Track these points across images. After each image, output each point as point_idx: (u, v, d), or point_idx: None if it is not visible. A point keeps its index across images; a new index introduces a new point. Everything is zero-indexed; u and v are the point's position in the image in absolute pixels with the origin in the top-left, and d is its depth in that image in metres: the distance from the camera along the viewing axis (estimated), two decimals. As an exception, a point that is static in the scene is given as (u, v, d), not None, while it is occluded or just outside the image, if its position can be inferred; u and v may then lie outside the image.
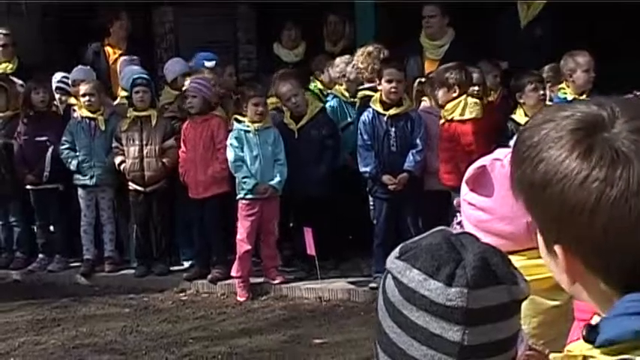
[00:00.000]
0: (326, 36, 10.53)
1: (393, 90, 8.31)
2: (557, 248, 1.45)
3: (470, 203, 2.68)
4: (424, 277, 1.61)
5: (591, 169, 1.38)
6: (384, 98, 8.39)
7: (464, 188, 2.71)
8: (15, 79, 10.11)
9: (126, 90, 9.42)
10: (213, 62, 9.45)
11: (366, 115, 8.45)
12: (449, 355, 1.60)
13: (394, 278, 1.65)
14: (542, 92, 7.99)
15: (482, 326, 1.61)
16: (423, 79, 8.64)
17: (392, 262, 1.67)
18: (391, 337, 1.66)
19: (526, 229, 2.55)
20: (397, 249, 1.68)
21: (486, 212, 2.63)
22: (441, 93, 8.22)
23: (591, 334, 1.40)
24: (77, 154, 9.25)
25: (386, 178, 8.30)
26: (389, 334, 1.66)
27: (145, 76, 9.25)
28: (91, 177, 9.26)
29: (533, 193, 1.45)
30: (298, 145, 8.68)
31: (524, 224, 2.55)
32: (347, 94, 9.10)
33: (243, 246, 8.56)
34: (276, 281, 8.71)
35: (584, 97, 8.02)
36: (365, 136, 8.42)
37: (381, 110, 8.41)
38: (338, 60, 9.18)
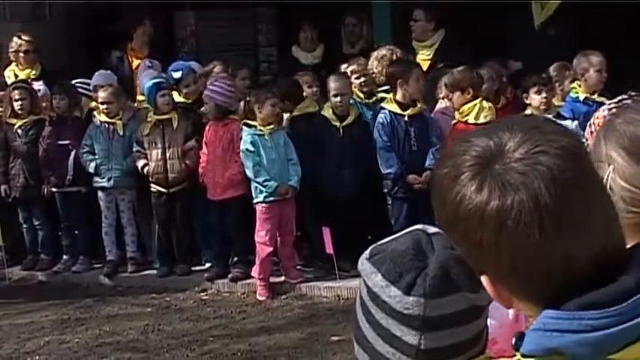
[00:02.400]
0: (344, 38, 10.64)
1: (420, 89, 8.51)
2: (483, 279, 1.50)
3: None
4: (386, 284, 1.69)
5: (485, 204, 1.41)
6: (401, 100, 8.50)
7: None
8: (38, 84, 10.28)
9: (143, 95, 9.56)
10: (180, 72, 9.52)
11: (383, 117, 8.56)
12: (408, 355, 1.69)
13: (363, 279, 1.74)
14: (544, 95, 8.08)
15: (439, 332, 1.68)
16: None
17: (362, 263, 1.75)
18: (363, 330, 1.76)
19: None
20: (369, 249, 1.76)
21: None
22: (455, 96, 8.32)
23: (517, 343, 1.46)
24: (95, 157, 9.44)
25: (412, 177, 8.43)
26: (361, 327, 1.76)
27: (162, 80, 9.38)
28: (109, 179, 9.43)
29: (447, 232, 1.51)
30: (341, 144, 8.78)
31: None
32: (362, 95, 9.20)
33: (264, 249, 8.68)
34: (296, 280, 8.83)
35: (595, 96, 8.11)
36: (385, 138, 8.52)
37: (398, 111, 8.52)
38: (353, 62, 9.25)
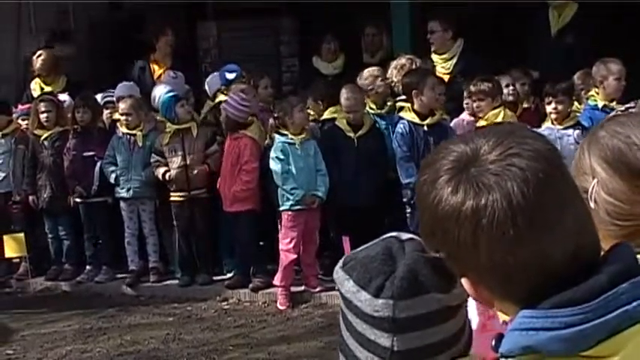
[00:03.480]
0: (364, 48, 10.67)
1: (437, 99, 8.53)
2: (464, 281, 1.55)
3: None
4: (357, 289, 1.72)
5: (461, 205, 1.47)
6: (419, 110, 8.52)
7: None
8: (64, 96, 10.39)
9: (159, 109, 9.62)
10: (234, 74, 9.63)
11: (402, 128, 8.58)
12: (383, 358, 1.72)
13: (338, 287, 1.78)
14: (553, 106, 8.08)
15: (411, 333, 1.71)
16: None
17: (336, 271, 1.79)
18: (345, 338, 1.80)
19: None
20: (342, 258, 1.80)
21: None
22: (484, 104, 8.30)
23: (497, 344, 1.52)
24: (116, 167, 9.52)
25: None
26: (343, 336, 1.80)
27: (175, 94, 9.45)
28: (128, 190, 9.52)
29: (427, 235, 1.57)
30: (356, 154, 8.82)
31: None
32: (374, 105, 9.22)
33: (288, 256, 8.73)
34: (316, 289, 8.86)
35: (614, 104, 8.08)
36: (404, 148, 8.54)
37: (417, 121, 8.54)
38: (366, 72, 9.27)
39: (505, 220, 1.45)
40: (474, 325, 2.50)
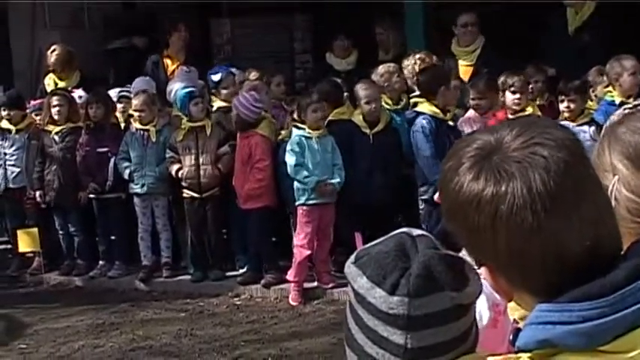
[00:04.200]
0: (379, 45, 10.67)
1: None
2: (483, 270, 1.56)
3: None
4: (371, 285, 1.71)
5: (481, 190, 1.49)
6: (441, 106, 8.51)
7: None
8: (78, 92, 10.41)
9: (175, 104, 9.64)
10: (219, 75, 9.61)
11: (425, 123, 8.48)
12: (396, 355, 1.72)
13: (350, 282, 1.77)
14: (565, 104, 8.09)
15: (425, 330, 1.70)
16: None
17: (348, 267, 1.78)
18: (353, 333, 1.79)
19: None
20: (354, 254, 1.79)
21: None
22: (508, 98, 8.26)
23: (514, 339, 1.52)
24: (130, 163, 9.55)
25: None
26: (351, 330, 1.79)
27: (193, 90, 9.47)
28: (142, 185, 9.54)
29: (449, 223, 1.58)
30: (372, 151, 8.80)
31: None
32: (390, 101, 9.21)
33: (302, 252, 8.73)
34: (328, 285, 8.86)
35: (631, 100, 8.04)
36: (431, 144, 8.42)
37: (441, 115, 8.51)
38: (381, 69, 9.26)
39: (524, 207, 1.46)
40: (485, 320, 2.50)
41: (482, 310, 2.50)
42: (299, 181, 8.70)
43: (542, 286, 1.49)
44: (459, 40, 9.52)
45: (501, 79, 8.36)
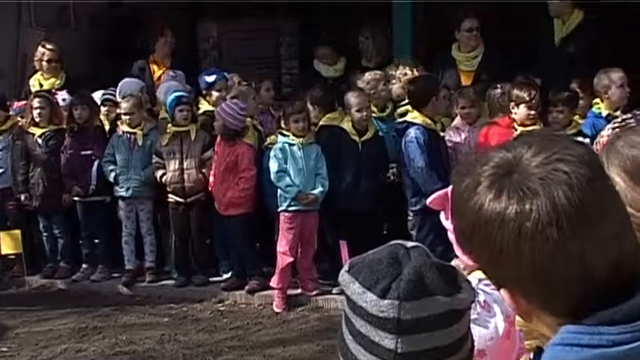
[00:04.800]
0: (361, 52, 10.69)
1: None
2: (502, 292, 1.54)
3: (445, 225, 2.82)
4: (363, 290, 1.74)
5: (504, 209, 1.46)
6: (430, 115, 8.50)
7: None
8: (62, 94, 10.35)
9: (164, 105, 9.62)
10: (214, 76, 9.59)
11: (418, 133, 8.42)
12: None
13: (343, 290, 1.79)
14: (554, 115, 8.09)
15: (416, 335, 1.72)
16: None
17: (341, 274, 1.80)
18: (347, 342, 1.80)
19: None
20: (348, 263, 1.81)
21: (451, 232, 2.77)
22: (520, 110, 8.17)
23: (535, 358, 1.51)
24: (116, 166, 9.50)
25: None
26: (345, 339, 1.81)
27: (183, 94, 9.44)
28: (127, 189, 9.50)
29: (466, 243, 1.55)
30: (359, 159, 8.79)
31: None
32: (376, 109, 9.21)
33: (285, 259, 8.71)
34: (313, 292, 8.84)
35: (618, 112, 8.07)
36: (425, 155, 8.37)
37: (433, 126, 8.50)
38: (367, 76, 9.27)
39: (549, 224, 1.45)
40: (501, 330, 2.50)
41: (498, 322, 2.51)
42: (281, 189, 8.68)
43: (565, 307, 1.48)
44: (461, 46, 9.50)
45: (514, 92, 8.15)
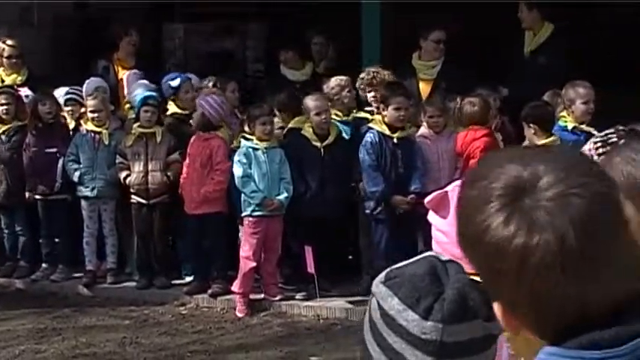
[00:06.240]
0: (313, 55, 10.69)
1: (401, 118, 8.44)
2: (495, 305, 1.51)
3: (433, 224, 2.81)
4: (403, 308, 1.69)
5: (511, 238, 1.41)
6: (389, 123, 8.50)
7: (430, 211, 2.84)
8: (24, 90, 10.22)
9: (132, 105, 9.54)
10: (178, 80, 9.53)
11: (371, 137, 8.53)
12: None
13: (377, 302, 1.74)
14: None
15: (454, 359, 1.70)
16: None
17: (377, 286, 1.75)
18: (372, 354, 1.75)
19: None
20: (384, 273, 1.76)
21: (445, 235, 2.76)
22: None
23: None
24: (80, 165, 9.39)
25: (398, 198, 8.41)
26: (370, 351, 1.76)
27: (154, 95, 9.37)
28: (92, 189, 9.39)
29: (466, 251, 1.52)
30: (322, 164, 8.76)
31: None
32: (340, 114, 9.16)
33: (248, 263, 8.65)
34: (276, 298, 8.80)
35: (583, 126, 8.13)
36: (373, 157, 8.48)
37: (387, 132, 8.51)
38: (333, 81, 9.23)
39: (554, 263, 1.40)
40: (505, 349, 2.48)
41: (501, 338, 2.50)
42: (245, 194, 8.63)
43: (553, 332, 1.45)
44: (423, 54, 9.51)
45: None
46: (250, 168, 8.67)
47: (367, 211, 8.66)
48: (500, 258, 1.43)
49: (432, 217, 2.82)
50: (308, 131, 8.81)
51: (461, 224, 1.51)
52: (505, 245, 1.42)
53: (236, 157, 8.71)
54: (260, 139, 8.67)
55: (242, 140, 8.77)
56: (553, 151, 1.55)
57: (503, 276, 1.44)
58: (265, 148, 8.68)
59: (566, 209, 1.41)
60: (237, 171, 8.66)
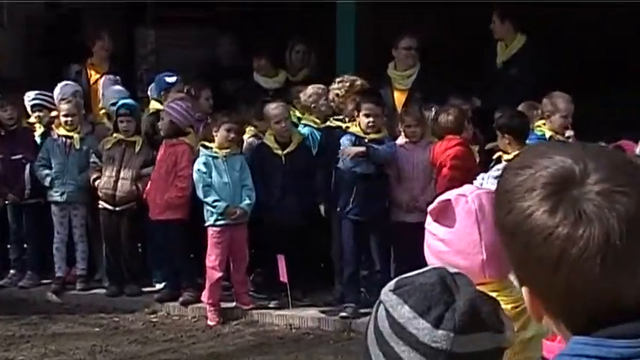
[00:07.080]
0: (288, 64, 10.64)
1: (371, 124, 8.42)
2: (524, 290, 1.52)
3: (432, 233, 2.78)
4: (414, 316, 1.68)
5: (555, 226, 1.43)
6: (362, 129, 8.47)
7: (428, 218, 2.80)
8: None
9: (107, 111, 9.46)
10: (174, 78, 9.47)
11: (347, 138, 8.48)
12: None
13: (386, 310, 1.72)
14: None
15: None
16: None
17: (386, 294, 1.73)
18: (374, 358, 1.73)
19: (480, 266, 2.66)
20: (393, 282, 1.75)
21: (445, 244, 2.74)
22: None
23: None
24: (51, 171, 9.28)
25: (352, 148, 8.33)
26: (372, 356, 1.74)
27: (130, 102, 9.29)
28: (62, 193, 9.30)
29: (504, 236, 1.52)
30: (285, 172, 8.73)
31: (480, 261, 2.67)
32: (318, 121, 9.15)
33: (214, 273, 8.60)
34: (247, 307, 8.74)
35: (559, 137, 8.17)
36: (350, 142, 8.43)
37: (362, 134, 8.49)
38: (310, 89, 9.22)
39: (595, 256, 1.42)
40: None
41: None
42: (208, 204, 8.57)
43: (584, 322, 1.47)
44: (397, 64, 9.50)
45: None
46: (210, 177, 8.62)
47: (338, 209, 8.54)
48: (540, 246, 1.44)
49: (432, 225, 2.78)
50: (269, 139, 8.79)
51: (502, 208, 1.51)
52: (548, 233, 1.44)
53: (195, 166, 8.67)
54: (221, 147, 8.61)
55: (201, 149, 8.72)
56: (599, 149, 1.55)
57: (541, 264, 1.45)
58: (224, 155, 8.63)
59: (614, 206, 1.43)
60: (198, 180, 8.62)
